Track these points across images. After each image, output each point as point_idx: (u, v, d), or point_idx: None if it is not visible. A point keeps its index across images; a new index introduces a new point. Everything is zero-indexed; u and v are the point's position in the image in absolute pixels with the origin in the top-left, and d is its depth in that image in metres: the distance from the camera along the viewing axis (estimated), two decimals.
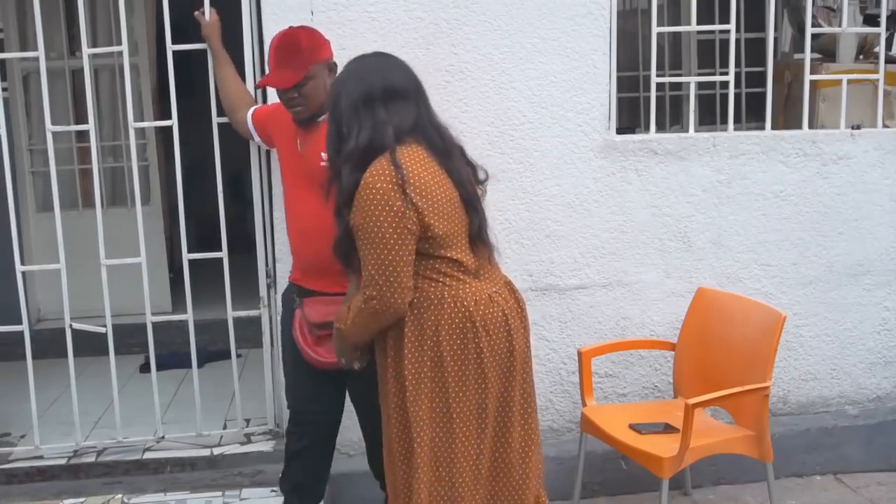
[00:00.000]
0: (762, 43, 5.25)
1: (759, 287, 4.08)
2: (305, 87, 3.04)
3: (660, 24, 4.07)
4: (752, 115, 5.42)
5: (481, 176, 2.81)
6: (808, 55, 4.12)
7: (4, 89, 3.92)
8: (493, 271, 2.76)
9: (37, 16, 3.80)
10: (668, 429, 3.45)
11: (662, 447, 3.27)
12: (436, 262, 2.60)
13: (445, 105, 3.80)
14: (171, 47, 3.77)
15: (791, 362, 4.17)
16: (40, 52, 3.84)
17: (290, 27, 3.18)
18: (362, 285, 2.56)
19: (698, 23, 4.08)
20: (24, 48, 5.48)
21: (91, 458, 4.00)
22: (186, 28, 3.87)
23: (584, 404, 3.69)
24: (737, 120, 4.33)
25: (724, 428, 3.58)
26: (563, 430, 4.08)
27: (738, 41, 4.10)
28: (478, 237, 2.69)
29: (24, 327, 3.98)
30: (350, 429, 3.91)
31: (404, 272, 2.52)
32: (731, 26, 4.02)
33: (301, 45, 3.07)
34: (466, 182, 2.67)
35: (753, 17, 5.39)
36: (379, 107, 2.57)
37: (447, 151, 2.64)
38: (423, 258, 2.58)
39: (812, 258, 4.14)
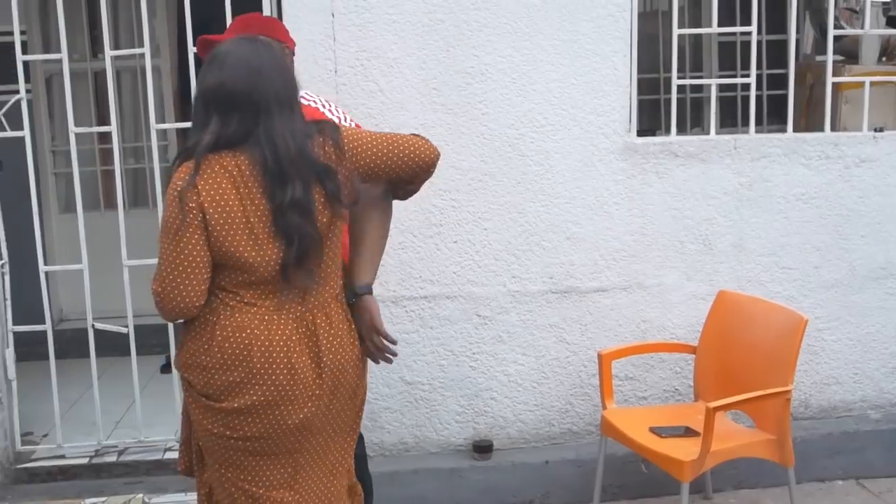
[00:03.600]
0: (784, 45, 5.22)
1: (780, 290, 4.06)
2: None
3: (681, 25, 4.05)
4: (773, 117, 5.40)
5: (346, 200, 2.45)
6: (830, 57, 4.10)
7: (28, 91, 3.94)
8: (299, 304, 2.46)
9: (60, 18, 3.83)
10: (688, 432, 3.44)
11: (683, 451, 3.26)
12: (221, 277, 2.41)
13: (466, 107, 3.82)
14: (192, 49, 3.78)
15: (813, 366, 4.15)
16: (63, 54, 3.87)
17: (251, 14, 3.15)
18: (152, 279, 2.41)
19: (719, 25, 4.07)
20: (47, 50, 5.53)
21: (112, 458, 4.04)
22: (208, 30, 3.88)
23: (604, 407, 3.68)
24: (758, 122, 4.31)
25: (746, 432, 3.56)
26: (582, 433, 4.07)
27: (759, 43, 4.08)
28: (294, 267, 2.39)
29: (48, 327, 4.01)
30: (370, 430, 3.94)
31: (191, 274, 2.34)
32: (753, 28, 4.01)
33: (262, 18, 3.00)
34: (295, 208, 2.34)
35: (775, 18, 5.37)
36: (212, 111, 2.37)
37: (279, 171, 2.34)
38: (217, 270, 2.40)
39: (834, 261, 4.11)
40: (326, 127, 2.49)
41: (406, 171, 2.56)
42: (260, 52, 2.44)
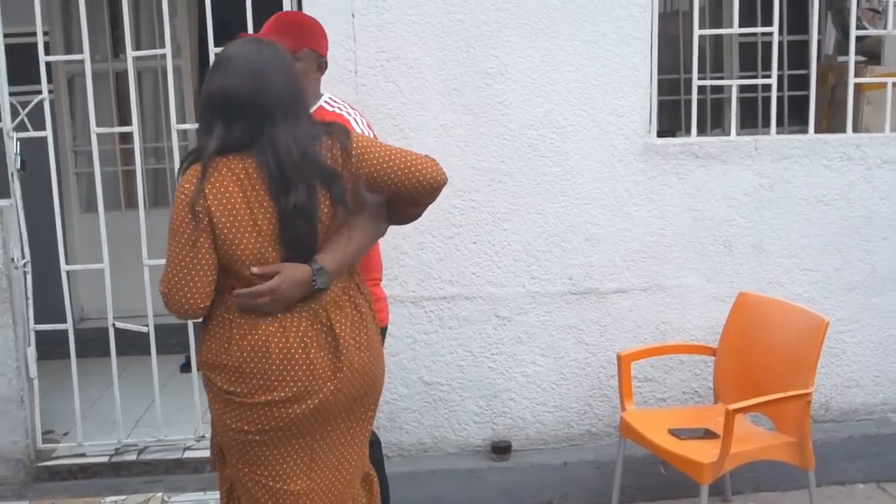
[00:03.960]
0: (805, 45, 5.19)
1: (801, 292, 4.04)
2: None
3: (701, 26, 4.04)
4: (794, 118, 5.38)
5: (350, 204, 2.47)
6: (852, 58, 4.08)
7: (50, 91, 3.96)
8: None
9: (82, 19, 3.86)
10: (707, 434, 3.43)
11: (702, 453, 3.25)
12: (233, 278, 2.43)
13: (486, 107, 3.82)
14: (213, 50, 3.80)
15: (834, 369, 4.12)
16: (85, 55, 3.89)
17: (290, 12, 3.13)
18: (160, 280, 2.44)
19: (740, 25, 4.05)
20: (69, 51, 5.56)
21: (132, 457, 4.06)
22: (229, 30, 3.89)
23: (623, 409, 3.68)
24: (779, 123, 4.29)
25: (765, 434, 3.54)
26: (601, 434, 4.07)
27: (780, 43, 4.06)
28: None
29: (69, 326, 4.04)
30: (389, 430, 3.94)
31: (195, 277, 2.36)
32: (774, 28, 3.99)
33: (303, 23, 2.98)
34: (299, 213, 2.37)
35: (796, 19, 5.35)
36: (217, 116, 2.39)
37: (282, 176, 2.35)
38: (228, 271, 2.43)
39: (856, 263, 4.08)
40: (336, 129, 2.50)
41: (410, 189, 2.54)
42: (264, 55, 2.44)
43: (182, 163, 2.49)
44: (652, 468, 3.82)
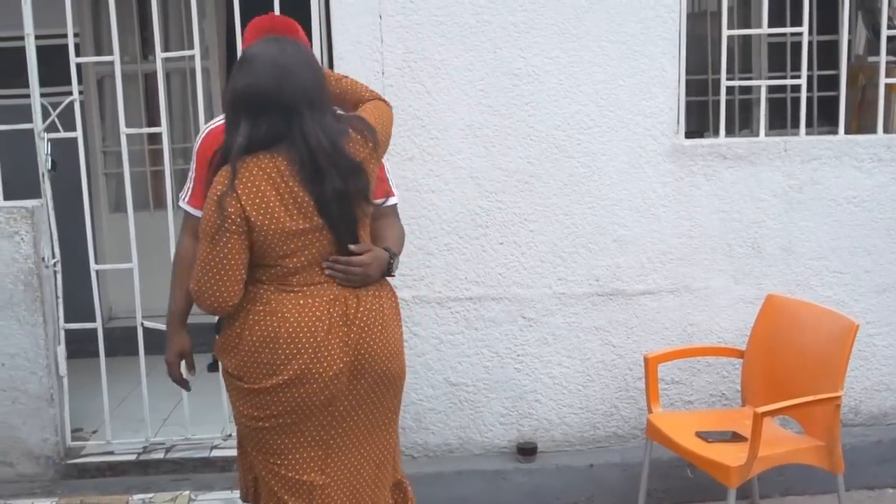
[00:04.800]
0: (835, 45, 5.14)
1: (830, 295, 4.00)
2: None
3: (730, 26, 4.02)
4: (824, 119, 5.33)
5: (377, 200, 2.63)
6: (883, 57, 4.04)
7: (80, 93, 4.00)
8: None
9: (112, 21, 3.89)
10: (735, 437, 3.40)
11: (730, 456, 3.23)
12: (260, 272, 2.50)
13: (513, 108, 3.82)
14: (241, 51, 3.81)
15: (863, 372, 4.09)
16: (115, 57, 3.92)
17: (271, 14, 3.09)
18: (191, 277, 2.49)
19: (769, 25, 4.03)
20: (98, 52, 5.61)
21: (160, 455, 4.08)
22: None
23: (649, 411, 3.66)
24: (808, 124, 4.26)
25: (794, 438, 3.52)
26: (628, 436, 4.05)
27: (810, 44, 4.03)
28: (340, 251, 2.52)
29: (98, 325, 4.07)
30: (415, 431, 3.95)
31: (225, 276, 2.42)
32: (804, 28, 3.96)
33: (297, 27, 2.96)
34: (336, 198, 2.45)
35: (826, 19, 5.29)
36: (242, 114, 2.43)
37: (316, 167, 2.42)
38: (255, 266, 2.49)
39: (886, 265, 4.04)
40: (359, 122, 2.57)
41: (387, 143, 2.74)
42: (287, 51, 2.49)
43: (211, 160, 2.51)
44: (679, 471, 3.81)
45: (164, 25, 5.65)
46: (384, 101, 2.79)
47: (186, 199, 2.93)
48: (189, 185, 2.95)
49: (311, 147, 2.41)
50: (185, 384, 2.95)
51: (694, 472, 3.72)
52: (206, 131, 2.98)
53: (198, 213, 2.77)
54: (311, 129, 2.42)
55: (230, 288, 2.44)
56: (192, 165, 2.95)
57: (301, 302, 2.47)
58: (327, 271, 2.51)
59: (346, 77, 2.83)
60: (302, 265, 2.48)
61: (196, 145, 2.97)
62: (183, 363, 2.91)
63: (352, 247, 2.51)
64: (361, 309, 2.53)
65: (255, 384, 2.49)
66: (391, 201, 2.87)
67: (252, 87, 2.42)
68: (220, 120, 2.97)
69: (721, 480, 3.22)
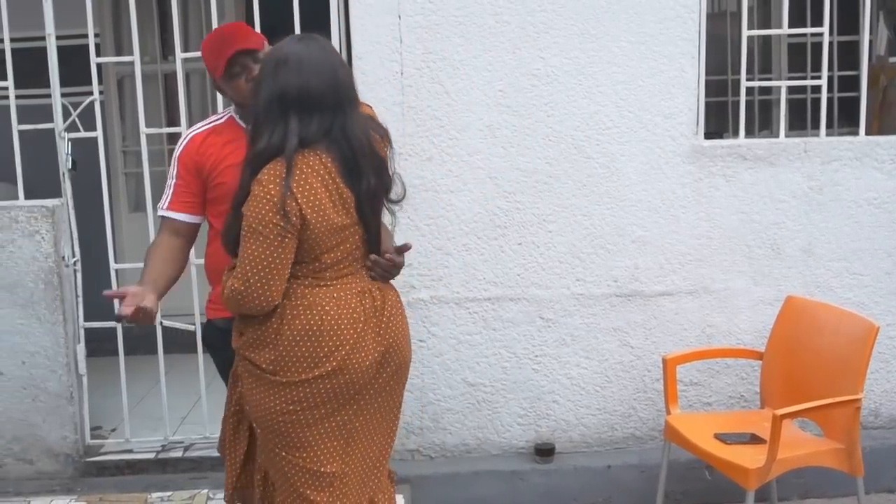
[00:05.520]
0: (855, 46, 5.13)
1: (850, 297, 3.98)
2: (257, 63, 2.76)
3: (749, 26, 4.00)
4: (844, 120, 5.30)
5: (395, 196, 2.66)
6: None
7: (101, 92, 4.02)
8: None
9: (132, 21, 3.91)
10: (754, 439, 3.39)
11: (748, 458, 3.21)
12: (297, 269, 2.52)
13: (531, 109, 3.82)
14: (275, 51, 3.81)
15: (884, 374, 4.06)
16: (135, 57, 3.94)
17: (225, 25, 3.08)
18: (233, 276, 2.50)
19: (789, 25, 4.01)
20: (119, 52, 5.64)
21: (178, 453, 4.10)
22: (276, 32, 3.92)
23: (667, 412, 3.65)
24: (828, 125, 4.24)
25: (813, 440, 3.50)
26: (645, 438, 4.04)
27: (830, 44, 4.01)
28: (372, 242, 2.61)
29: (117, 324, 4.08)
30: (432, 431, 3.95)
31: (276, 276, 2.45)
32: (825, 29, 3.94)
33: (251, 30, 2.97)
34: (371, 197, 2.53)
35: (846, 19, 5.27)
36: (291, 113, 2.45)
37: (356, 165, 2.49)
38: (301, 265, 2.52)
39: None
40: (378, 125, 2.64)
41: None
42: (327, 49, 2.56)
43: (247, 165, 2.51)
44: (697, 473, 3.80)
45: (183, 26, 5.67)
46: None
47: (165, 205, 2.92)
48: (168, 192, 2.93)
49: (353, 146, 2.48)
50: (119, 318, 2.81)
51: (712, 474, 3.71)
52: (188, 137, 2.95)
53: (177, 215, 2.87)
54: (353, 127, 2.50)
55: (278, 287, 2.47)
56: (173, 171, 2.92)
57: (335, 295, 2.52)
58: (373, 271, 2.61)
59: None
60: (337, 260, 2.53)
61: (178, 150, 2.94)
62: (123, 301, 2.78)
63: (392, 250, 2.64)
64: (387, 302, 2.62)
65: (294, 377, 2.51)
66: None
67: (305, 87, 2.45)
68: (203, 125, 2.99)
69: (739, 483, 3.21)
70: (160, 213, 2.92)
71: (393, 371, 2.64)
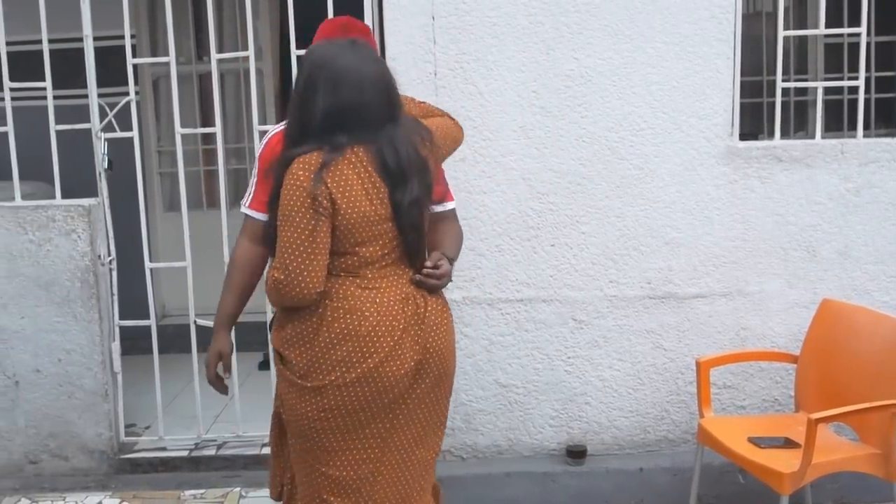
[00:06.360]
0: (893, 46, 5.07)
1: (888, 300, 3.93)
2: None
3: (785, 27, 3.97)
4: (881, 121, 5.25)
5: (436, 207, 2.69)
6: None
7: (137, 93, 4.06)
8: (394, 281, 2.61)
9: (168, 23, 3.94)
10: (788, 443, 3.36)
11: (783, 462, 3.19)
12: (334, 262, 2.53)
13: (565, 110, 3.81)
14: (295, 52, 3.84)
15: None
16: (171, 58, 3.97)
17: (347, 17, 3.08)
18: (273, 267, 2.50)
19: (826, 26, 3.97)
20: (154, 53, 5.69)
21: (211, 452, 4.13)
22: (309, 32, 3.94)
23: (701, 415, 3.62)
24: (865, 126, 4.19)
25: (848, 445, 3.46)
26: (678, 441, 4.02)
27: (868, 44, 3.96)
28: (412, 243, 2.59)
29: (152, 322, 4.13)
30: (464, 432, 3.95)
31: (315, 263, 2.44)
32: (863, 29, 3.90)
33: (367, 29, 2.97)
34: (414, 206, 2.53)
35: (884, 19, 5.21)
36: (345, 127, 2.47)
37: (401, 173, 2.50)
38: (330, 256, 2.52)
39: None
40: (422, 129, 2.63)
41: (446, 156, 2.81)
42: (379, 61, 2.61)
43: (281, 161, 2.53)
44: (730, 476, 3.77)
45: (218, 27, 5.71)
46: (453, 119, 2.88)
47: (247, 203, 2.93)
48: (251, 189, 2.95)
49: (399, 153, 2.49)
50: (220, 385, 2.94)
51: (745, 478, 3.68)
52: (268, 136, 2.96)
53: (259, 216, 2.79)
54: (402, 137, 2.52)
55: (317, 273, 2.46)
56: (254, 170, 2.95)
57: (377, 300, 2.52)
58: (418, 283, 2.59)
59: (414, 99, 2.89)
60: (376, 257, 2.52)
61: (259, 150, 2.96)
62: (220, 364, 2.91)
63: (428, 263, 2.61)
64: (430, 309, 2.60)
65: (322, 380, 2.50)
66: (449, 206, 2.88)
67: (364, 106, 2.48)
68: (283, 124, 2.99)
69: (774, 487, 3.18)
70: (242, 209, 2.92)
71: (434, 380, 2.61)
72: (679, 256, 3.92)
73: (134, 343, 4.36)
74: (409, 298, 2.56)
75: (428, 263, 2.61)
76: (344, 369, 2.49)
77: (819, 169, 3.89)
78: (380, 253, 2.53)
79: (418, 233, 2.57)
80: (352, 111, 2.47)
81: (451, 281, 2.70)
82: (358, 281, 2.52)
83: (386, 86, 2.53)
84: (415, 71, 3.79)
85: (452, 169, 3.75)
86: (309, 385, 2.52)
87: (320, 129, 2.48)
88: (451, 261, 2.71)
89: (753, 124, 5.37)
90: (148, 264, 4.12)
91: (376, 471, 2.59)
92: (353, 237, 2.48)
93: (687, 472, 3.71)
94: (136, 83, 4.05)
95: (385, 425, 2.57)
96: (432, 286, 2.61)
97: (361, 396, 2.51)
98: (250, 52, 3.97)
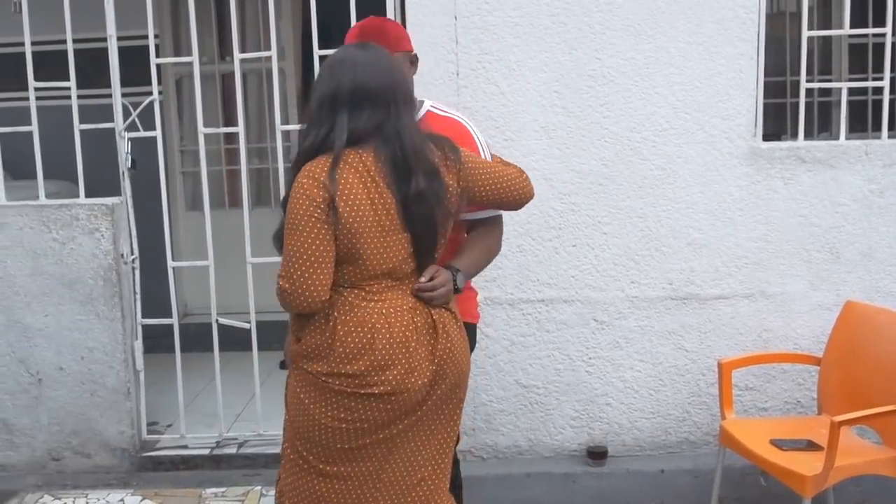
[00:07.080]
0: None
1: None
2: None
3: (809, 27, 3.94)
4: None
5: (447, 206, 2.55)
6: None
7: (160, 93, 4.08)
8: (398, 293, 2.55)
9: (192, 23, 3.96)
10: (810, 446, 3.34)
11: (805, 465, 3.17)
12: (341, 272, 2.49)
13: (587, 110, 3.80)
14: (317, 52, 3.85)
15: None
16: (194, 58, 3.99)
17: (371, 17, 3.12)
18: (279, 276, 2.47)
19: (850, 26, 3.95)
20: (177, 53, 5.72)
21: (232, 450, 4.14)
22: (332, 33, 3.96)
23: (723, 417, 3.61)
24: (890, 127, 4.16)
25: (871, 448, 3.44)
26: (700, 442, 4.00)
27: (893, 45, 3.94)
28: (423, 256, 2.53)
29: (174, 321, 4.14)
30: (485, 431, 3.95)
31: (319, 268, 2.42)
32: (888, 29, 3.87)
33: (387, 29, 2.93)
34: (420, 199, 2.46)
35: None
36: (343, 109, 2.46)
37: (406, 164, 2.45)
38: (337, 265, 2.48)
39: None
40: (441, 140, 2.59)
41: (500, 203, 2.70)
42: (386, 55, 2.57)
43: (296, 161, 2.53)
44: (751, 479, 3.75)
45: (241, 27, 5.73)
46: (523, 173, 2.77)
47: None
48: None
49: (404, 142, 2.46)
50: None
51: (767, 480, 3.66)
52: None
53: None
54: (406, 125, 2.49)
55: (322, 281, 2.43)
56: None
57: (384, 311, 2.48)
58: (416, 296, 2.53)
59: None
60: (385, 270, 2.48)
61: None
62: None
63: (423, 278, 2.53)
64: (442, 318, 2.55)
65: (349, 389, 2.47)
66: (482, 215, 2.81)
67: (358, 82, 2.47)
68: None
69: (796, 490, 3.17)
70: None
71: (449, 386, 2.58)
72: (701, 257, 3.90)
73: (156, 341, 4.39)
74: (416, 308, 2.52)
75: (423, 278, 2.54)
76: (363, 383, 2.46)
77: (843, 170, 3.87)
78: (388, 266, 2.48)
79: (429, 231, 2.51)
80: (348, 88, 2.46)
81: (455, 291, 2.60)
82: (363, 294, 2.48)
83: (387, 70, 2.51)
84: (437, 71, 3.79)
85: None
86: (334, 387, 2.48)
87: (320, 112, 2.48)
88: (457, 271, 2.62)
89: (777, 125, 5.34)
90: (170, 263, 4.14)
91: (381, 469, 2.56)
92: (357, 246, 2.44)
93: (708, 474, 3.70)
94: (159, 83, 4.07)
95: (396, 432, 2.53)
96: (427, 300, 2.54)
97: (384, 411, 2.48)
98: (273, 52, 3.98)
